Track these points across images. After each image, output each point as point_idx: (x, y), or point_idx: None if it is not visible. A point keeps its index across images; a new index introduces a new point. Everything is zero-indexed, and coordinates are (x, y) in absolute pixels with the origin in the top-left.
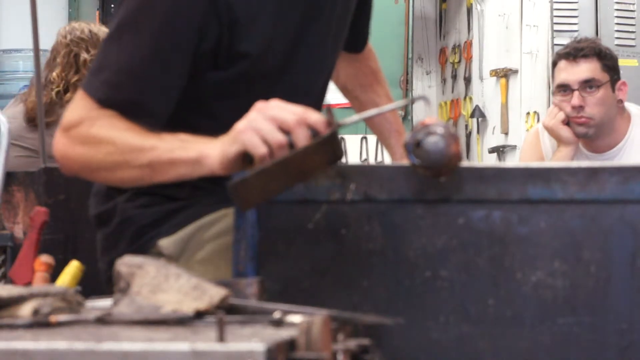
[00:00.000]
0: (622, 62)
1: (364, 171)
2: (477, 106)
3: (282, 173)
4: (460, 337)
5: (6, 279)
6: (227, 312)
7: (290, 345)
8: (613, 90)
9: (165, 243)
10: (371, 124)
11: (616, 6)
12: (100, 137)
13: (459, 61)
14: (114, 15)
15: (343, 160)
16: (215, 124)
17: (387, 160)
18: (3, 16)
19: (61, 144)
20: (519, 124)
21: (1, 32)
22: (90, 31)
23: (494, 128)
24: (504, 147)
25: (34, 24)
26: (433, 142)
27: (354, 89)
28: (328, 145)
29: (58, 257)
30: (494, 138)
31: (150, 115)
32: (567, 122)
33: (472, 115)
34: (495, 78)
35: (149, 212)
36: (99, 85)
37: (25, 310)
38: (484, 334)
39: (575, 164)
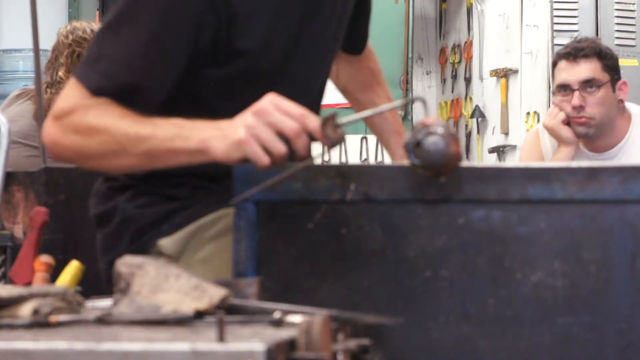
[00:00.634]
0: (622, 62)
1: (364, 171)
2: (477, 106)
3: (284, 177)
4: (460, 337)
5: (6, 279)
6: (227, 312)
7: (290, 345)
8: (613, 90)
9: (166, 243)
10: (371, 125)
11: (616, 6)
12: (94, 126)
13: (459, 61)
14: (111, 8)
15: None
16: (213, 118)
17: (387, 160)
18: (3, 16)
19: (52, 132)
20: (519, 124)
21: (1, 32)
22: (91, 30)
23: (494, 128)
24: (504, 147)
25: (34, 24)
26: (433, 142)
27: (354, 90)
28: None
29: (58, 257)
30: (494, 138)
31: (144, 101)
32: (567, 122)
33: (472, 115)
34: (495, 78)
35: (149, 212)
36: (94, 75)
37: (25, 310)
38: (484, 334)
39: (575, 164)
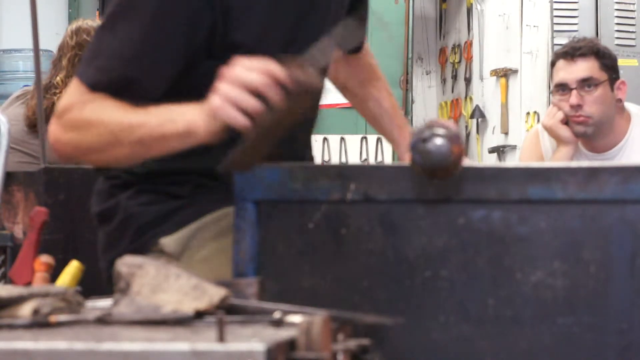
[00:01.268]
0: (622, 62)
1: (364, 171)
2: (477, 106)
3: (269, 133)
4: (460, 337)
5: (6, 279)
6: (227, 312)
7: (290, 345)
8: (612, 89)
9: (167, 241)
10: (371, 120)
11: (616, 6)
12: (90, 119)
13: (459, 61)
14: (107, 6)
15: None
16: None
17: (387, 160)
18: (3, 16)
19: (53, 130)
20: (519, 124)
21: (1, 32)
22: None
23: (494, 128)
24: (504, 147)
25: (34, 24)
26: (436, 143)
27: (353, 87)
28: (306, 93)
29: (58, 257)
30: (494, 138)
31: (141, 95)
32: (566, 121)
33: (472, 116)
34: (495, 78)
35: (151, 210)
36: (91, 70)
37: (25, 310)
38: (484, 334)
39: (575, 164)
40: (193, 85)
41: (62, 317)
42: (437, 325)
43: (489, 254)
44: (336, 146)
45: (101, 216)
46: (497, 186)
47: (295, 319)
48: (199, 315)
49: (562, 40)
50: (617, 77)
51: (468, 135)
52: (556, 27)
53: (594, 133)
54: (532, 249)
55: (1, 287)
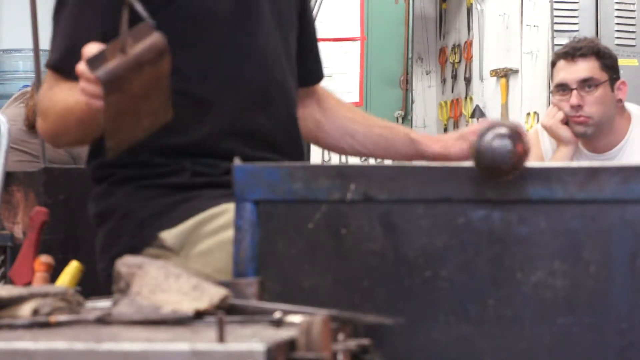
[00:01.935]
0: (622, 62)
1: (364, 171)
2: (477, 106)
3: (127, 107)
4: (460, 337)
5: (6, 279)
6: (227, 312)
7: (290, 345)
8: (612, 89)
9: (167, 235)
10: (383, 153)
11: (616, 6)
12: (48, 107)
13: (459, 61)
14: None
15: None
16: (178, 77)
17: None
18: (3, 16)
19: (37, 121)
20: None
21: (1, 32)
22: None
23: None
24: None
25: (33, 24)
26: (500, 144)
27: (318, 126)
28: (155, 57)
29: (58, 257)
30: None
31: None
32: (566, 121)
33: (472, 115)
34: (495, 78)
35: (150, 205)
36: (49, 56)
37: (25, 310)
38: (484, 334)
39: (575, 164)
40: None
41: (62, 317)
42: (437, 325)
43: (489, 254)
44: None
45: (99, 216)
46: (497, 186)
47: (295, 319)
48: (199, 315)
49: (563, 40)
50: (618, 78)
51: None
52: (556, 27)
53: (594, 133)
54: (532, 249)
55: (1, 287)
